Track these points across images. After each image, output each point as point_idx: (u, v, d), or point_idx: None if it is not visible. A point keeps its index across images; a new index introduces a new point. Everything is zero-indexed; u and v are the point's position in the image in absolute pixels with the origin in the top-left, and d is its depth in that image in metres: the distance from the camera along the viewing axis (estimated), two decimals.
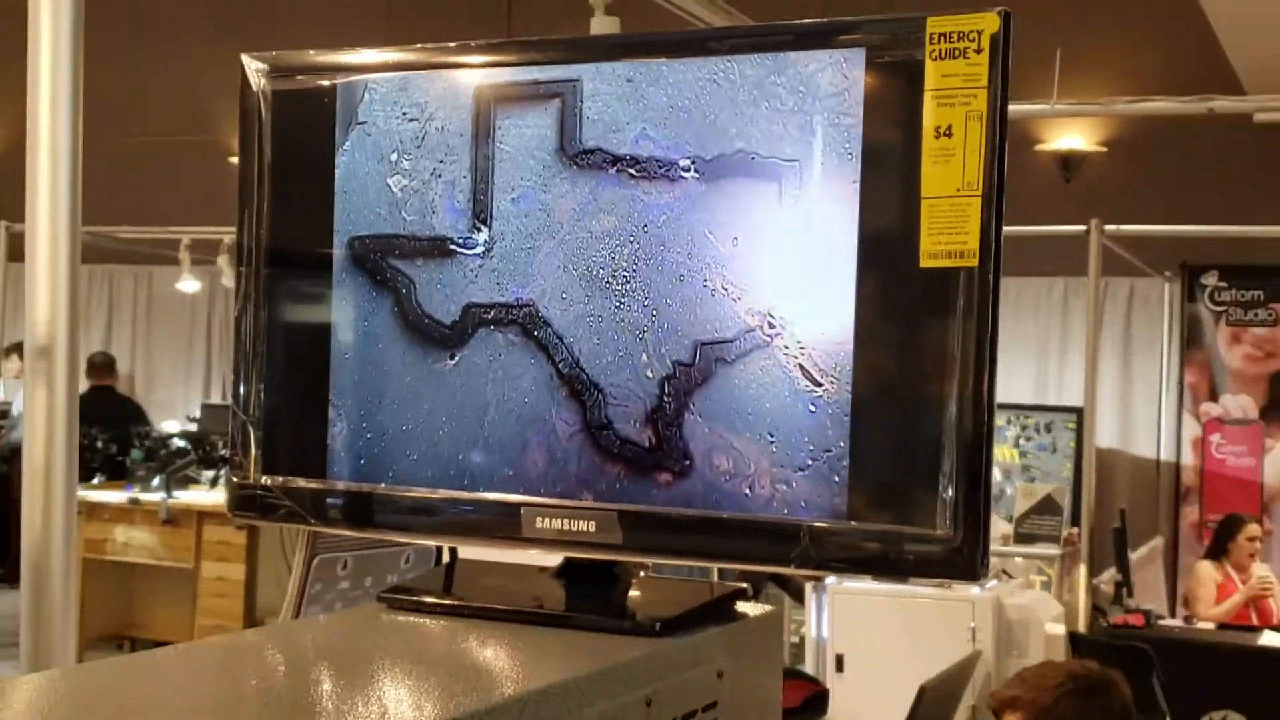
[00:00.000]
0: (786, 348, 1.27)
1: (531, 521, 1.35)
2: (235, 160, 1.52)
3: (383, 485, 1.42)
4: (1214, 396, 11.23)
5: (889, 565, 1.27)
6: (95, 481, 9.46)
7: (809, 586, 5.00)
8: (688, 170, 1.31)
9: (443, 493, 1.39)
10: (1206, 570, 8.64)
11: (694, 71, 1.32)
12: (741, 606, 1.37)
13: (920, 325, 1.24)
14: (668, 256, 1.31)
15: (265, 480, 1.47)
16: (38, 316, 1.90)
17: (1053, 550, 8.07)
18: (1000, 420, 11.39)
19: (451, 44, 1.43)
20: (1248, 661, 7.21)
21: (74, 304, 1.93)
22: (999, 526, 8.84)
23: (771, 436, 1.27)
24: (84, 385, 10.29)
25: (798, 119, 1.27)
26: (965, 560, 1.22)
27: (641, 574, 1.40)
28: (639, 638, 1.25)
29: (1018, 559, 7.91)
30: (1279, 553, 10.78)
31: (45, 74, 1.94)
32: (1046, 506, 8.68)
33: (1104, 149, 11.85)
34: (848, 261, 1.24)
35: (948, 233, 1.21)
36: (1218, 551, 8.80)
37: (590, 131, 1.34)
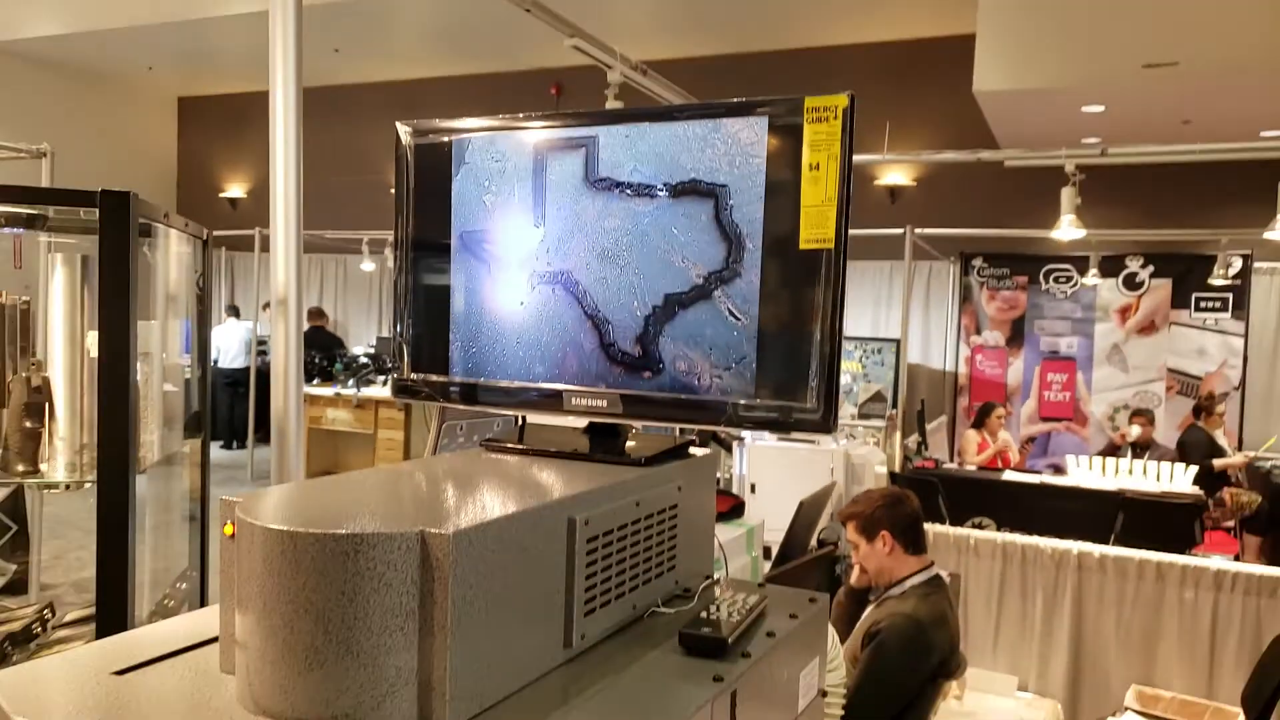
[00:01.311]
0: (720, 297, 1.24)
1: (569, 400, 1.32)
2: (392, 190, 1.48)
3: (481, 379, 1.38)
4: (979, 331, 11.16)
5: (780, 426, 1.23)
6: (314, 383, 9.40)
7: (735, 443, 4.99)
8: (661, 191, 1.26)
9: (517, 383, 1.36)
10: (971, 435, 8.58)
11: (665, 130, 1.27)
12: (692, 450, 1.35)
13: (799, 284, 1.19)
14: (649, 242, 1.27)
15: (413, 376, 1.45)
16: (278, 280, 1.85)
17: (880, 423, 8.05)
18: (849, 346, 11.33)
19: (519, 115, 1.40)
20: (995, 489, 7.19)
21: (299, 274, 1.87)
22: (848, 409, 8.81)
23: (710, 350, 1.23)
24: (305, 325, 10.24)
25: (727, 158, 1.22)
26: (825, 423, 1.21)
27: (633, 431, 1.39)
28: (632, 467, 1.23)
29: (860, 428, 7.86)
30: (1014, 425, 10.77)
31: (280, 135, 1.88)
32: (878, 398, 8.65)
33: (915, 183, 11.76)
34: (757, 244, 1.20)
35: (816, 227, 1.17)
36: (978, 424, 8.74)
37: (603, 167, 1.30)
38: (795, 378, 1.20)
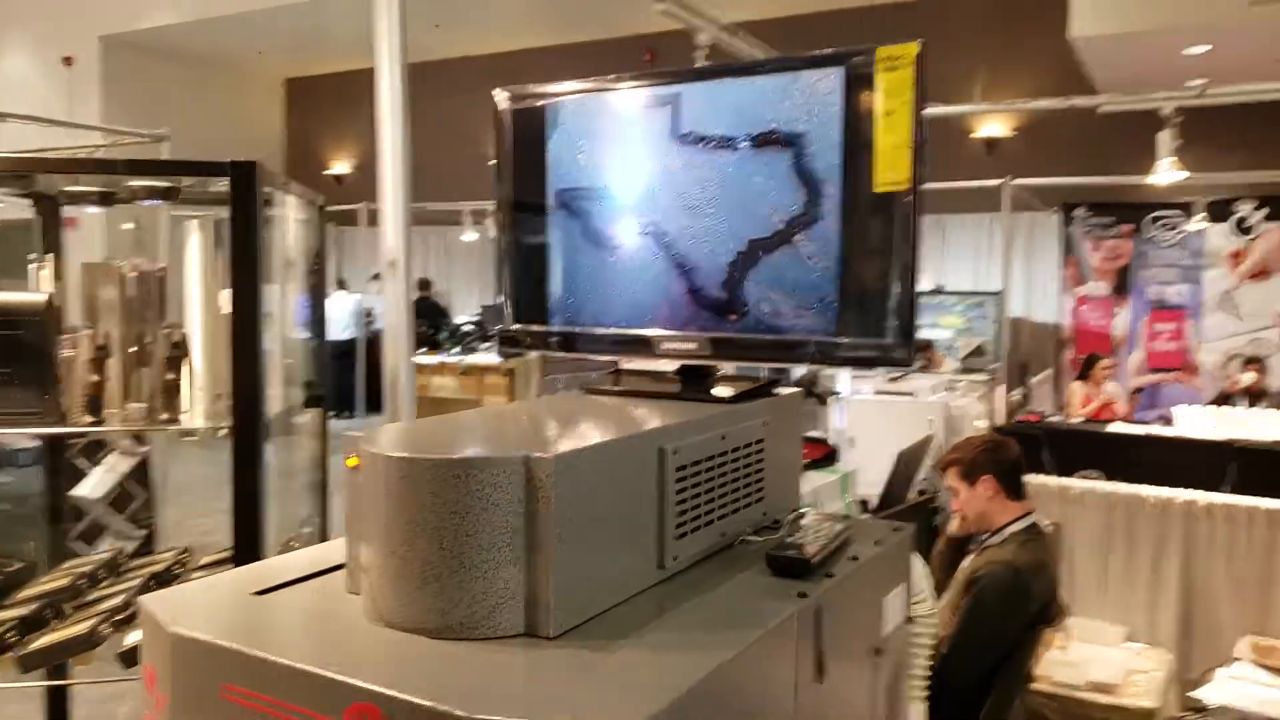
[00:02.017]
0: (801, 240, 1.28)
1: (660, 344, 1.38)
2: (491, 161, 1.54)
3: (579, 327, 1.45)
4: (1082, 282, 10.84)
5: (862, 362, 1.29)
6: (420, 351, 9.68)
7: (830, 398, 5.00)
8: (743, 142, 1.30)
9: (613, 330, 1.42)
10: (1077, 388, 8.39)
11: (745, 85, 1.32)
12: (777, 390, 1.41)
13: (876, 226, 1.22)
14: (732, 191, 1.31)
15: (516, 327, 1.54)
16: (388, 245, 1.93)
17: (983, 377, 7.92)
18: (950, 300, 11.13)
19: (608, 76, 1.46)
20: (1101, 441, 7.03)
21: (407, 243, 1.96)
22: (950, 364, 8.68)
23: (793, 292, 1.28)
24: (413, 294, 10.55)
25: (805, 108, 1.26)
26: (905, 358, 1.25)
27: (720, 372, 1.44)
28: (720, 404, 1.30)
29: (963, 383, 7.76)
30: (1121, 377, 10.46)
31: (388, 113, 1.97)
32: (979, 352, 8.53)
33: (1014, 133, 11.43)
34: (836, 188, 1.24)
35: (891, 170, 1.20)
36: (1083, 376, 8.54)
37: (687, 122, 1.35)
38: (875, 315, 1.24)
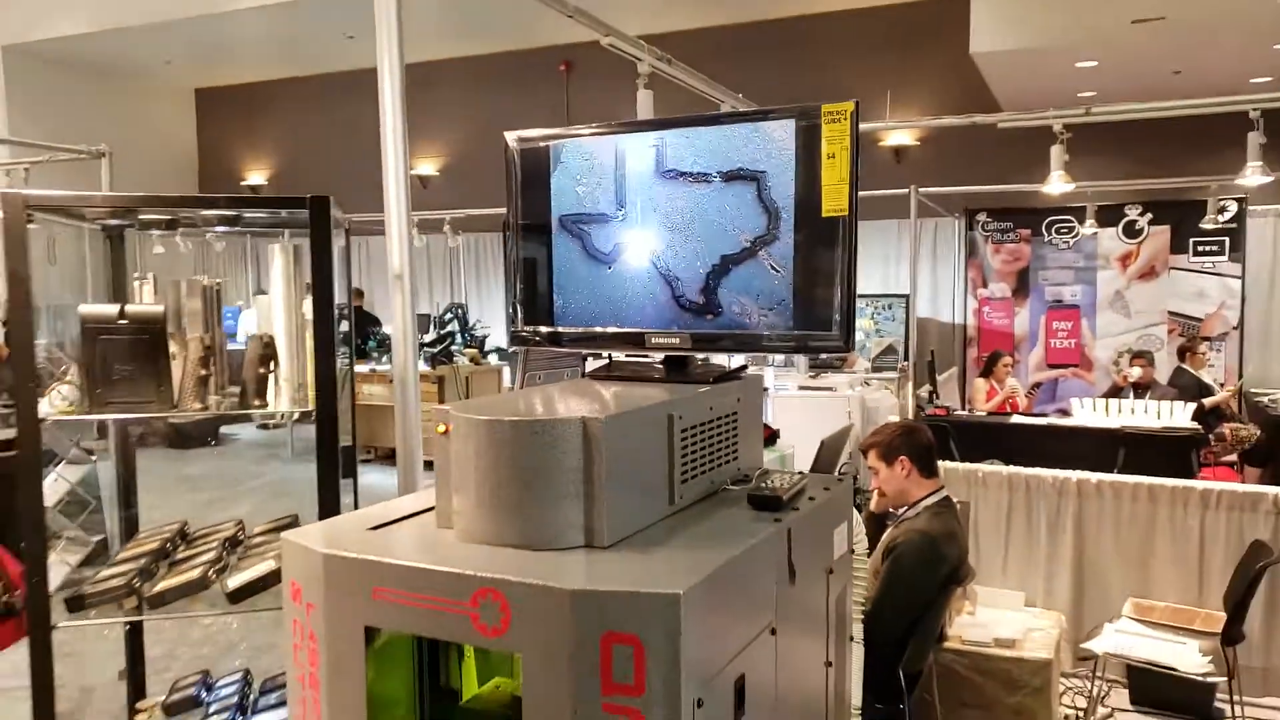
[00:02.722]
0: (764, 256, 1.64)
1: (649, 340, 1.72)
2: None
3: (580, 327, 1.78)
4: (985, 284, 11.52)
5: (812, 350, 1.67)
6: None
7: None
8: (715, 177, 1.66)
9: (610, 329, 1.76)
10: (980, 384, 8.97)
11: (716, 131, 1.67)
12: (744, 374, 1.77)
13: (822, 244, 1.57)
14: (707, 217, 1.66)
15: (526, 328, 1.88)
16: (394, 261, 2.20)
17: (894, 375, 8.44)
18: (861, 304, 11.71)
19: (603, 124, 1.80)
20: (1004, 432, 7.59)
21: (412, 258, 2.24)
22: (862, 364, 9.22)
23: (757, 296, 1.63)
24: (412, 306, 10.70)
25: (765, 151, 1.61)
26: (846, 345, 1.62)
27: (700, 361, 1.79)
28: (702, 384, 1.66)
29: (873, 380, 8.24)
30: (1022, 372, 11.16)
31: (390, 131, 2.26)
32: (889, 351, 9.06)
33: (919, 143, 12.07)
34: (790, 214, 1.60)
35: (834, 200, 1.57)
36: (986, 372, 9.13)
37: (669, 161, 1.70)
38: (823, 314, 1.61)
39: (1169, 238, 10.66)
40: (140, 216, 2.07)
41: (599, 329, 1.80)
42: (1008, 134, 9.96)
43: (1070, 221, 10.69)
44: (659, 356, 1.80)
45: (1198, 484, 4.73)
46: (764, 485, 1.53)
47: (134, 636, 2.53)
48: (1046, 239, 11.17)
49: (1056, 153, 5.02)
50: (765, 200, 1.65)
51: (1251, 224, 10.43)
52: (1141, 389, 8.72)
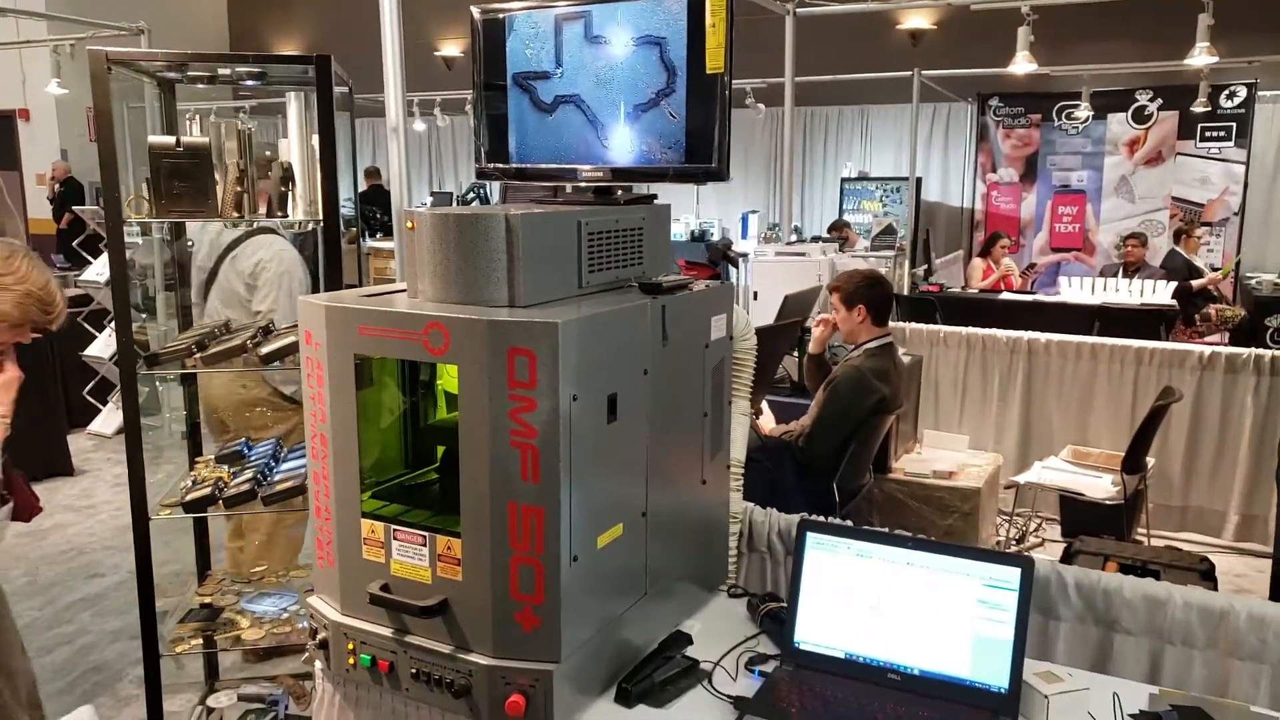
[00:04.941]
0: (665, 105, 2.14)
1: (580, 174, 2.22)
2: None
3: (528, 164, 2.29)
4: (994, 169, 11.82)
5: (697, 177, 2.17)
6: (377, 237, 10.42)
7: (740, 259, 5.84)
8: (628, 43, 2.15)
9: (552, 165, 2.26)
10: (977, 263, 9.41)
11: (629, 6, 2.12)
12: (655, 203, 2.29)
13: (707, 95, 2.03)
14: (624, 74, 2.13)
15: (488, 165, 2.40)
16: (391, 113, 2.75)
17: (890, 253, 8.88)
18: (870, 186, 12.06)
19: (545, 0, 2.29)
20: (990, 308, 8.05)
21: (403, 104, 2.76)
22: (861, 244, 9.64)
23: (659, 137, 2.11)
24: (363, 185, 11.09)
25: (665, 21, 2.07)
26: (722, 173, 2.13)
27: (621, 191, 2.31)
28: (616, 206, 2.19)
29: (872, 258, 8.67)
30: (1026, 256, 11.54)
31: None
32: (888, 230, 9.47)
33: (935, 26, 12.21)
34: (683, 72, 2.06)
35: (715, 60, 2.03)
36: (984, 253, 9.56)
37: (595, 29, 2.17)
38: (706, 150, 2.10)
39: (1177, 123, 10.87)
40: (189, 73, 2.61)
41: (543, 165, 2.32)
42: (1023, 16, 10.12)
43: (1083, 106, 10.86)
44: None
45: (1134, 343, 5.23)
46: (654, 279, 2.07)
47: (192, 401, 3.20)
48: (1056, 124, 11.41)
49: (1023, 34, 5.38)
50: (665, 60, 2.14)
51: (1259, 110, 10.60)
52: (1132, 269, 9.12)
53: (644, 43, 2.15)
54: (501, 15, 2.33)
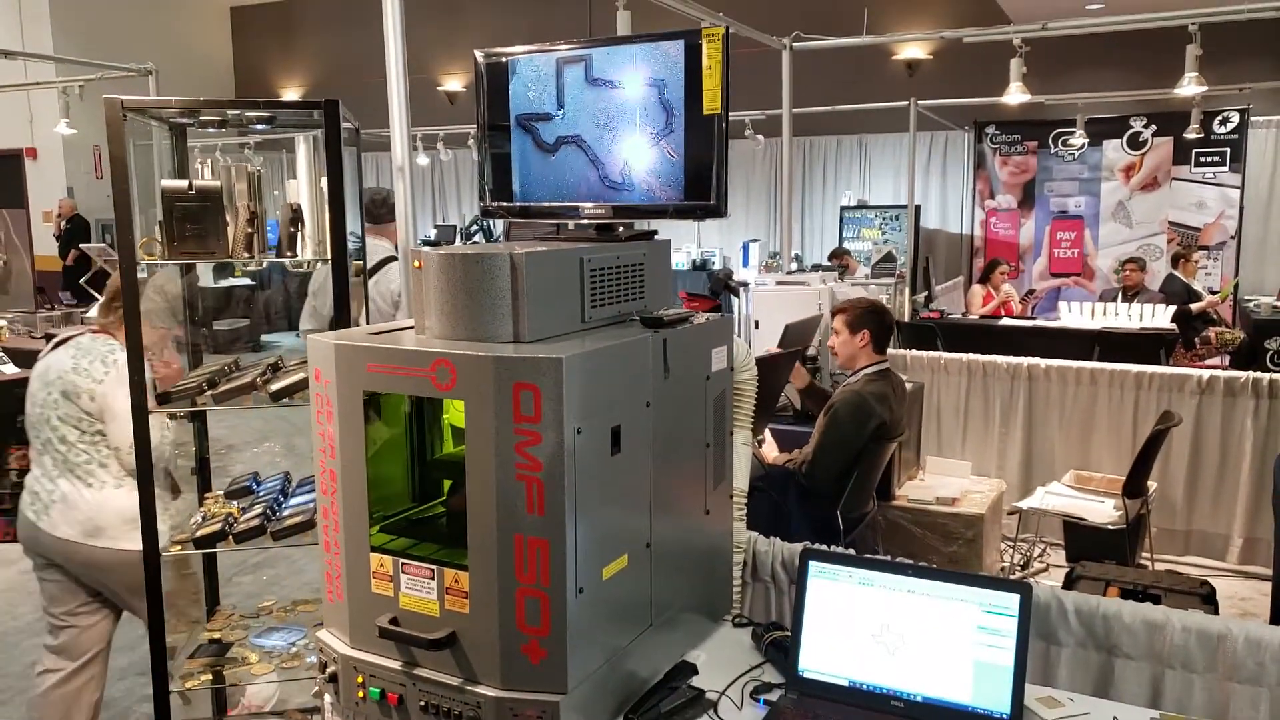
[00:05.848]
0: (663, 144, 2.18)
1: (583, 211, 2.27)
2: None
3: (531, 202, 2.35)
4: (992, 196, 11.90)
5: (697, 214, 2.23)
6: None
7: (741, 289, 5.89)
8: (629, 84, 2.21)
9: (554, 204, 2.31)
10: (976, 290, 9.47)
11: (629, 49, 2.18)
12: (653, 238, 2.34)
13: (704, 135, 2.09)
14: (623, 115, 2.18)
15: (492, 204, 2.45)
16: (396, 152, 2.80)
17: (890, 280, 8.94)
18: (870, 214, 12.14)
19: (546, 44, 2.34)
20: (990, 334, 8.08)
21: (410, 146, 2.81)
22: (861, 271, 9.70)
23: (659, 175, 2.17)
24: None
25: (663, 64, 2.12)
26: (720, 210, 2.18)
27: (623, 227, 2.36)
28: (617, 242, 2.23)
29: (872, 286, 8.73)
30: (1025, 281, 11.59)
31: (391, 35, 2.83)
32: (888, 258, 9.53)
33: (931, 56, 12.34)
34: (681, 113, 2.12)
35: (711, 102, 2.09)
36: (983, 279, 9.61)
37: (596, 72, 2.24)
38: (705, 187, 2.16)
39: (1171, 149, 10.95)
40: (201, 117, 2.68)
41: (546, 204, 2.37)
42: (1012, 50, 10.25)
43: (1078, 133, 10.95)
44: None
45: (1132, 367, 5.26)
46: (655, 313, 2.12)
47: (201, 437, 3.24)
48: (1053, 151, 11.50)
49: (1015, 65, 5.45)
50: (664, 102, 2.19)
51: (1252, 134, 10.68)
52: (1131, 293, 9.16)
53: (643, 85, 2.21)
54: (504, 59, 2.39)
